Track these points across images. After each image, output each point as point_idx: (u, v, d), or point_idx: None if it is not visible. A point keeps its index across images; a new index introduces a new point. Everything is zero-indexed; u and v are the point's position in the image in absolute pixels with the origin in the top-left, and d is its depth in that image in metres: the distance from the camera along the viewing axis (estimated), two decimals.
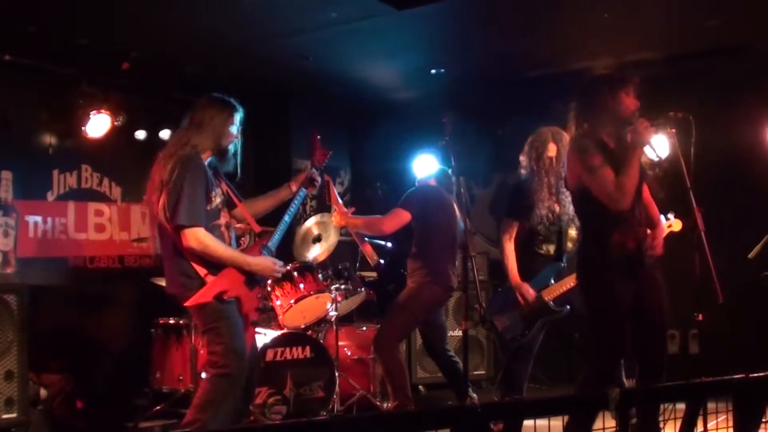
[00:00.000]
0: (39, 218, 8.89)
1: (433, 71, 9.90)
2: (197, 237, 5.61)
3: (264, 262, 5.95)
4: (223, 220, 5.93)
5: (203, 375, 5.92)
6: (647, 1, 7.73)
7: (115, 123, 8.94)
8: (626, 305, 5.69)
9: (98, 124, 8.81)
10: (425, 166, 9.56)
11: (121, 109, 8.98)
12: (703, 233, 5.79)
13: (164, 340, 8.03)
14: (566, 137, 6.66)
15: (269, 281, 7.85)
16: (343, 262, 8.44)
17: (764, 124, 8.77)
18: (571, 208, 6.63)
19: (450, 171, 7.59)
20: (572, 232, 7.01)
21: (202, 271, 5.68)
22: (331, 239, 8.51)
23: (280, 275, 6.43)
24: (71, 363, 8.34)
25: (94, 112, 8.74)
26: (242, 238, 8.18)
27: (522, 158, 7.08)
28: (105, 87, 8.88)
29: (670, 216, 6.96)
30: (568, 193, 6.45)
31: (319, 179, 6.61)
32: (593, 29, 8.48)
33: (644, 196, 5.99)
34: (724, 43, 8.85)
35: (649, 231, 5.94)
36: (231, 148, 6.03)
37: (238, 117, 6.02)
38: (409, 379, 9.53)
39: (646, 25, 8.33)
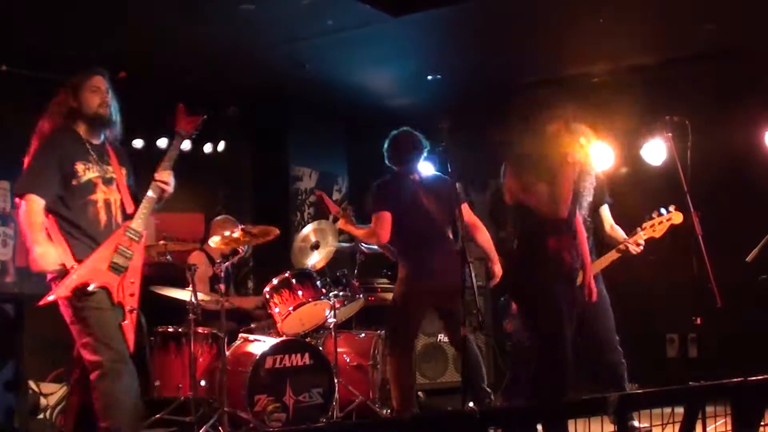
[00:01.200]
0: None
1: (429, 77, 9.91)
2: (25, 203, 5.47)
3: (42, 254, 5.42)
4: (100, 195, 5.64)
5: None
6: (643, 5, 7.74)
7: None
8: (563, 305, 5.73)
9: None
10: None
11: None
12: (700, 237, 5.82)
13: (163, 347, 8.01)
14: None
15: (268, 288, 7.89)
16: (341, 269, 8.44)
17: (761, 128, 8.78)
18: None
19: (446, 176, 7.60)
20: None
21: (69, 260, 5.47)
22: (329, 246, 8.53)
23: (54, 274, 5.55)
24: (71, 372, 8.33)
25: None
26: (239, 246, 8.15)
27: None
28: None
29: (671, 208, 6.88)
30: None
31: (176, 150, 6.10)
32: (589, 34, 8.50)
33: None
34: (720, 46, 8.87)
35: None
36: (105, 114, 5.75)
37: (96, 80, 5.78)
38: None
39: (641, 30, 8.35)
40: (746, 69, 9.02)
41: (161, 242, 7.93)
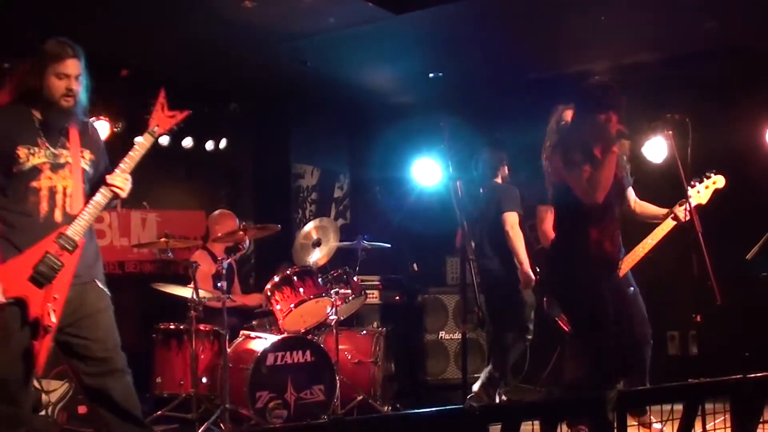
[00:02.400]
0: None
1: (431, 75, 9.92)
2: None
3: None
4: (44, 182, 5.02)
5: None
6: (644, 3, 7.75)
7: (115, 129, 8.94)
8: (606, 302, 5.72)
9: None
10: (425, 170, 9.61)
11: (121, 116, 8.99)
12: (700, 234, 5.81)
13: (165, 345, 8.04)
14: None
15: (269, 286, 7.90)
16: (343, 266, 8.45)
17: (762, 126, 8.78)
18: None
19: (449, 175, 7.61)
20: None
21: None
22: (331, 243, 8.54)
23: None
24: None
25: (93, 118, 8.75)
26: (241, 243, 8.16)
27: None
28: (104, 93, 8.88)
29: (710, 174, 6.79)
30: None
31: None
32: (590, 32, 8.50)
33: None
34: (721, 44, 8.87)
35: None
36: (67, 107, 5.11)
37: (66, 65, 5.10)
38: (410, 382, 9.59)
39: (642, 28, 8.34)
40: (747, 67, 9.02)
41: (163, 239, 7.95)
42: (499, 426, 3.58)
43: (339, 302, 8.01)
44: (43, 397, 7.93)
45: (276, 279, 7.93)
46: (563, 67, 9.58)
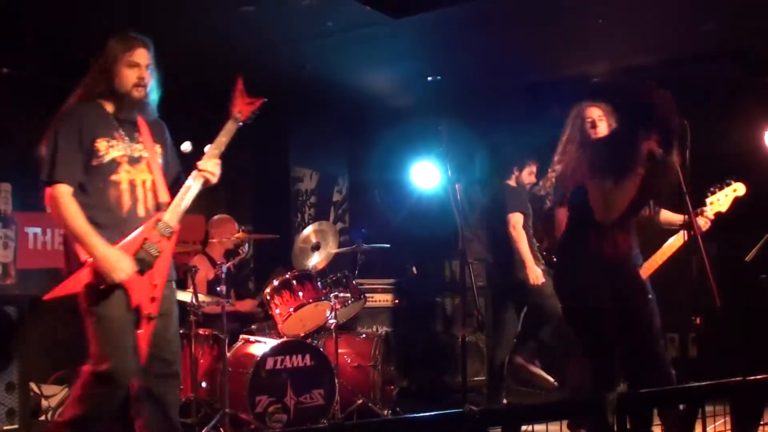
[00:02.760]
0: (38, 230, 8.89)
1: (429, 78, 9.93)
2: (52, 195, 4.88)
3: (108, 257, 4.80)
4: (124, 176, 5.00)
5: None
6: (642, 6, 7.76)
7: None
8: (604, 305, 5.67)
9: None
10: (424, 173, 9.60)
11: None
12: (699, 237, 5.81)
13: None
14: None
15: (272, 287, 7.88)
16: (342, 270, 8.45)
17: (761, 128, 8.78)
18: None
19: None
20: None
21: (83, 252, 4.88)
22: (330, 247, 8.54)
23: (117, 280, 4.83)
24: (72, 373, 8.35)
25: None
26: (240, 248, 8.18)
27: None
28: None
29: (731, 181, 6.78)
30: None
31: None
32: (588, 35, 8.51)
33: None
34: (720, 47, 8.88)
35: None
36: (139, 97, 5.10)
37: (137, 54, 5.13)
38: (409, 385, 9.59)
39: (640, 31, 8.36)
40: (746, 69, 9.03)
41: None
42: (499, 429, 3.58)
43: (338, 306, 8.01)
44: (43, 402, 7.94)
45: (275, 283, 7.93)
46: (562, 70, 9.60)
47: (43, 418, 7.91)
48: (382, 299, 10.04)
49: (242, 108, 5.52)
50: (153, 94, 5.24)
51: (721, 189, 6.73)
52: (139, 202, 5.04)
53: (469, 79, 10.04)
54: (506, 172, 8.57)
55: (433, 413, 3.42)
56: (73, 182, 4.90)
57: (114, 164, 4.98)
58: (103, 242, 4.83)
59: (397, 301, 10.09)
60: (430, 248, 10.57)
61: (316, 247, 8.54)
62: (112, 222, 4.95)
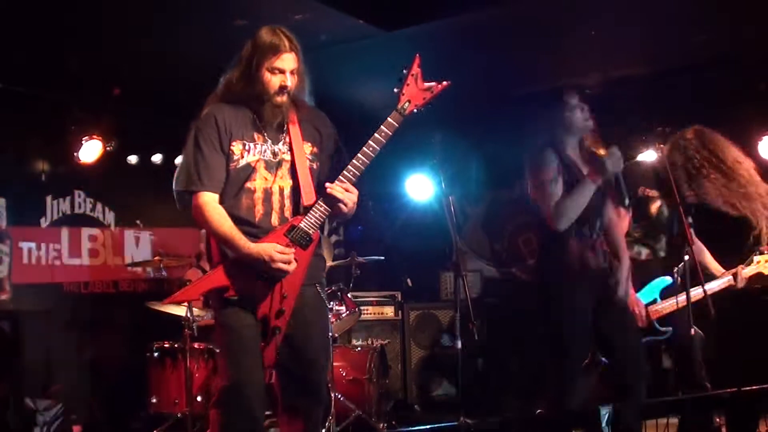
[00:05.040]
0: (33, 244, 8.90)
1: None
2: (196, 205, 4.62)
3: (260, 251, 4.49)
4: (259, 183, 4.66)
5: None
6: (633, 16, 7.77)
7: (107, 148, 8.95)
8: (581, 318, 5.65)
9: (90, 150, 8.82)
10: (418, 185, 9.61)
11: (113, 134, 9.00)
12: (693, 248, 5.82)
13: (160, 363, 8.03)
14: None
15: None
16: (337, 283, 8.45)
17: (754, 137, 8.81)
18: None
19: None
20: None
21: (216, 255, 4.66)
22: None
23: (284, 270, 4.52)
24: (67, 388, 8.35)
25: (86, 137, 8.76)
26: None
27: None
28: (97, 112, 8.90)
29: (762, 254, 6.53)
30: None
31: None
32: (580, 46, 8.52)
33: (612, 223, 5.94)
34: (712, 56, 8.89)
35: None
36: (281, 104, 4.76)
37: (282, 60, 4.77)
38: (405, 398, 9.59)
39: (632, 41, 8.37)
40: (739, 78, 9.04)
41: (156, 258, 7.96)
42: None
43: (333, 319, 8.00)
44: (37, 416, 7.93)
45: None
46: (555, 81, 9.59)
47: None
48: (377, 312, 10.04)
49: (413, 95, 5.02)
50: (303, 89, 4.97)
51: None
52: (274, 212, 4.68)
53: (462, 91, 10.00)
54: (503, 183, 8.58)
55: (428, 426, 3.42)
56: (218, 188, 4.66)
57: (249, 169, 4.67)
58: (246, 242, 4.53)
59: (391, 313, 10.08)
60: (424, 260, 10.57)
61: None
62: (244, 232, 4.59)
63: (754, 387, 4.29)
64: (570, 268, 5.63)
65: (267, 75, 4.72)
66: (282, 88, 4.72)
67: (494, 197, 10.82)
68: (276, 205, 4.67)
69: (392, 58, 8.77)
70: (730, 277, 6.45)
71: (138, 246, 9.69)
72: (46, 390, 8.15)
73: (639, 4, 7.46)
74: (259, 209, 4.65)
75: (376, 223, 11.38)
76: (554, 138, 5.87)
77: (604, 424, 3.82)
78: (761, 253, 6.50)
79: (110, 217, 9.67)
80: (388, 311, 10.08)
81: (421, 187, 10.24)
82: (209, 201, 4.61)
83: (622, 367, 5.68)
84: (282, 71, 4.75)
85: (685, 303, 6.14)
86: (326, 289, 7.94)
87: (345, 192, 4.62)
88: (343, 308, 8.21)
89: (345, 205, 4.64)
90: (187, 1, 7.15)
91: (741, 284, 6.45)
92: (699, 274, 5.77)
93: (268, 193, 4.66)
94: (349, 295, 8.40)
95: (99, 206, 9.57)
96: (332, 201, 4.61)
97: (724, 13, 7.79)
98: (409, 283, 10.49)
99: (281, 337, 4.59)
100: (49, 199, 9.16)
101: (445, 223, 7.07)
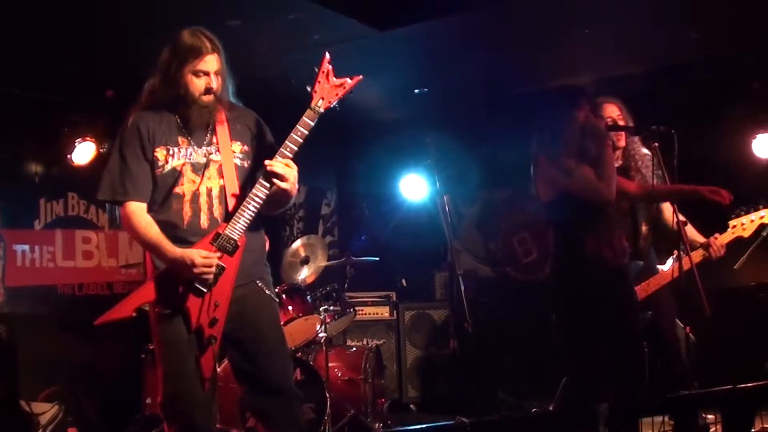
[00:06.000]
0: (26, 247, 8.87)
1: (416, 91, 9.93)
2: (124, 214, 4.60)
3: (184, 255, 4.44)
4: (187, 187, 4.61)
5: None
6: (627, 15, 7.77)
7: (101, 150, 8.93)
8: (599, 317, 5.65)
9: (84, 152, 8.80)
10: (412, 185, 9.59)
11: (107, 136, 8.98)
12: (687, 246, 5.82)
13: (154, 365, 7.93)
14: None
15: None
16: (332, 283, 8.44)
17: (747, 136, 8.82)
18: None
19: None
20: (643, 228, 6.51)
21: (149, 270, 4.61)
22: (319, 261, 8.53)
23: (204, 279, 4.48)
24: (62, 391, 8.33)
25: (79, 139, 8.74)
26: None
27: None
28: (90, 114, 8.88)
29: (760, 206, 6.46)
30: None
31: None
32: (575, 45, 8.52)
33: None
34: (705, 55, 8.90)
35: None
36: (207, 104, 4.72)
37: (204, 62, 4.74)
38: (400, 398, 9.59)
39: (626, 40, 8.37)
40: (732, 78, 9.05)
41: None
42: None
43: (328, 319, 8.00)
44: (33, 420, 7.91)
45: None
46: (549, 81, 9.60)
47: None
48: (372, 312, 10.03)
49: (325, 93, 4.95)
50: (228, 90, 4.93)
51: (747, 213, 6.45)
52: (202, 213, 4.61)
53: (456, 91, 10.04)
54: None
55: (424, 426, 3.41)
56: (144, 197, 4.63)
57: (175, 174, 4.61)
58: (171, 248, 4.50)
59: (386, 313, 10.08)
60: (419, 260, 10.58)
61: (305, 261, 8.52)
62: (174, 237, 4.56)
63: (750, 384, 4.28)
64: (586, 265, 5.64)
65: (190, 77, 4.69)
66: (208, 90, 4.70)
67: (489, 197, 10.81)
68: (204, 206, 4.62)
69: (385, 57, 8.83)
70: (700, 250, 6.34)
71: (132, 248, 9.66)
72: (41, 393, 8.13)
73: (631, 3, 7.47)
74: (187, 211, 4.60)
75: (370, 223, 11.38)
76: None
77: (601, 424, 3.81)
78: (737, 216, 6.45)
79: (104, 219, 9.64)
80: (383, 311, 10.08)
81: (415, 187, 10.23)
82: (136, 210, 4.59)
83: (627, 362, 5.70)
84: (206, 73, 4.72)
85: (659, 285, 6.25)
86: (321, 289, 8.00)
87: (286, 167, 4.63)
88: (338, 308, 8.21)
89: (285, 180, 4.62)
90: (180, 1, 7.13)
91: (718, 253, 6.34)
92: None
93: (195, 195, 4.61)
94: (344, 295, 8.39)
95: (92, 208, 9.54)
96: (270, 179, 4.58)
97: (718, 11, 7.80)
98: (404, 284, 10.50)
99: (218, 346, 4.53)
100: (42, 201, 9.13)
101: (439, 223, 7.08)
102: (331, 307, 8.12)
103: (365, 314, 9.91)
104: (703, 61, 9.00)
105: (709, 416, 5.88)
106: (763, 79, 8.83)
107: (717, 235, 6.39)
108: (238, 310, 4.65)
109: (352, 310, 8.47)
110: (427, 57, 8.96)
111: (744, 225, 6.43)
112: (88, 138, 8.76)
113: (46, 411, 7.90)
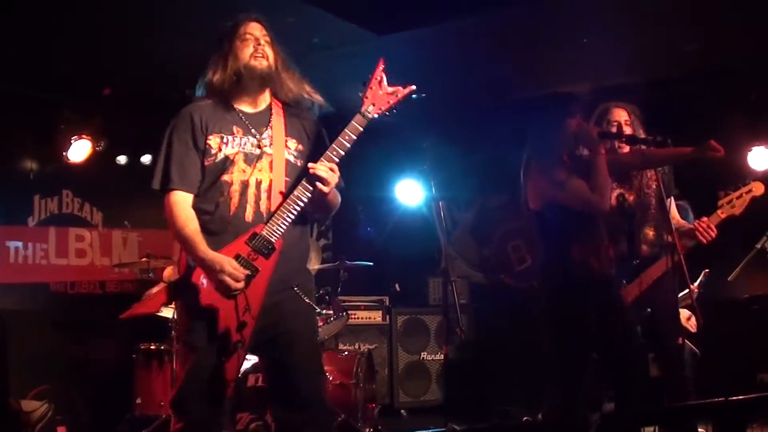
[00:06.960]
0: (20, 244, 8.86)
1: (414, 96, 9.91)
2: (166, 203, 4.49)
3: (215, 259, 4.28)
4: (237, 175, 4.46)
5: None
6: (625, 25, 7.78)
7: (97, 148, 8.93)
8: (584, 327, 5.63)
9: (79, 149, 8.80)
10: (408, 190, 9.58)
11: (103, 135, 8.97)
12: (682, 257, 5.81)
13: (146, 365, 8.00)
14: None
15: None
16: (325, 287, 8.43)
17: (743, 147, 8.82)
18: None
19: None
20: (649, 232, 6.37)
21: (183, 266, 4.48)
22: (313, 264, 8.52)
23: (227, 289, 4.26)
24: (53, 389, 8.31)
25: (75, 137, 8.73)
26: None
27: None
28: (86, 112, 8.87)
29: (746, 182, 6.40)
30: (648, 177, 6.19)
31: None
32: (573, 54, 8.52)
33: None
34: (702, 66, 8.91)
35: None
36: (258, 67, 4.61)
37: (249, 28, 4.68)
38: (391, 402, 9.57)
39: (624, 50, 8.37)
40: (730, 88, 9.05)
41: (144, 259, 7.94)
42: None
43: (320, 323, 7.98)
44: (23, 417, 7.89)
45: None
46: (546, 88, 9.60)
47: None
48: (365, 316, 10.02)
49: (377, 99, 4.89)
50: (285, 68, 4.79)
51: (735, 190, 6.35)
52: (249, 205, 4.43)
53: (453, 96, 10.04)
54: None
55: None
56: (191, 187, 4.49)
57: (227, 162, 4.46)
58: (205, 249, 4.31)
59: (379, 318, 10.07)
60: (413, 265, 10.57)
61: None
62: (218, 228, 4.42)
63: (743, 396, 4.27)
64: (572, 274, 5.63)
65: (237, 44, 4.62)
66: (256, 49, 4.60)
67: (483, 203, 10.81)
68: (251, 198, 4.45)
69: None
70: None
71: (125, 247, 9.65)
72: (31, 391, 8.11)
73: (630, 13, 7.47)
74: (234, 202, 4.44)
75: (365, 227, 11.37)
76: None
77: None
78: (725, 195, 6.36)
79: (98, 217, 9.64)
80: (376, 316, 10.07)
81: (410, 192, 10.23)
82: (179, 201, 4.46)
83: (624, 372, 5.67)
84: (252, 36, 4.65)
85: (651, 279, 6.13)
86: (321, 291, 7.95)
87: (329, 171, 4.52)
88: (331, 312, 8.20)
89: (328, 185, 4.51)
90: (178, 3, 7.12)
91: (707, 235, 6.21)
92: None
93: (244, 186, 4.45)
94: (337, 299, 8.38)
95: (87, 206, 9.53)
96: (313, 182, 4.46)
97: (715, 23, 7.81)
98: (398, 288, 10.49)
99: (244, 350, 4.35)
100: (36, 198, 9.13)
101: (434, 229, 7.07)
102: (324, 311, 8.11)
103: (358, 318, 9.90)
104: (700, 73, 9.00)
105: (700, 430, 5.87)
106: (759, 91, 8.84)
107: (704, 218, 6.29)
108: (274, 319, 4.46)
109: (344, 314, 8.45)
110: (424, 62, 8.95)
111: (733, 203, 6.32)
112: (84, 136, 8.76)
113: (35, 409, 7.89)
